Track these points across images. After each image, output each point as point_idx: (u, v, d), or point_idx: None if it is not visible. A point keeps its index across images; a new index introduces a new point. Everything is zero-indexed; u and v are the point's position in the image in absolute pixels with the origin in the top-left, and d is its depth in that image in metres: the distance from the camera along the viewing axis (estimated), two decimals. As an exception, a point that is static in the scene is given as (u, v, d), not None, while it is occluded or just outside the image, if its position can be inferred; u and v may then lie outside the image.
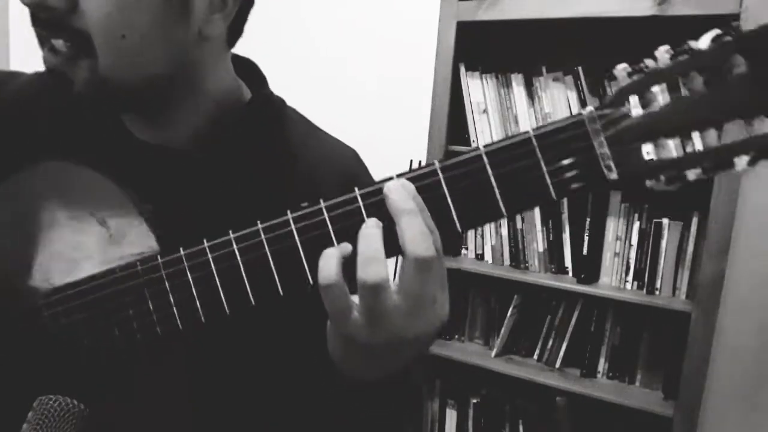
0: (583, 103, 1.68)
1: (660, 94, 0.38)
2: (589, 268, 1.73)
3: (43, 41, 0.51)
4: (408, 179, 0.41)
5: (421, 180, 0.42)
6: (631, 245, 1.69)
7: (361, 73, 2.14)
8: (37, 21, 0.50)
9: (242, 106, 0.62)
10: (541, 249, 1.80)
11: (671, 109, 0.38)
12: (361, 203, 0.42)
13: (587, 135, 0.39)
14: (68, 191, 0.53)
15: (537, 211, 1.80)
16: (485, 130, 1.80)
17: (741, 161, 0.38)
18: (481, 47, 1.79)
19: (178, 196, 0.54)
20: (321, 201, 0.43)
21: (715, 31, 0.37)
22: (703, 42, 0.38)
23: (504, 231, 1.85)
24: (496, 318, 1.90)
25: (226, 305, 0.46)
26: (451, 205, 0.41)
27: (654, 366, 1.70)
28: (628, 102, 0.39)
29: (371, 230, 0.40)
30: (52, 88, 0.53)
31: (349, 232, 0.42)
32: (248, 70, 0.65)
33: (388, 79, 2.09)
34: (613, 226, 1.72)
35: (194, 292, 0.46)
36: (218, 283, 0.45)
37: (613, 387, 1.71)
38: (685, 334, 1.51)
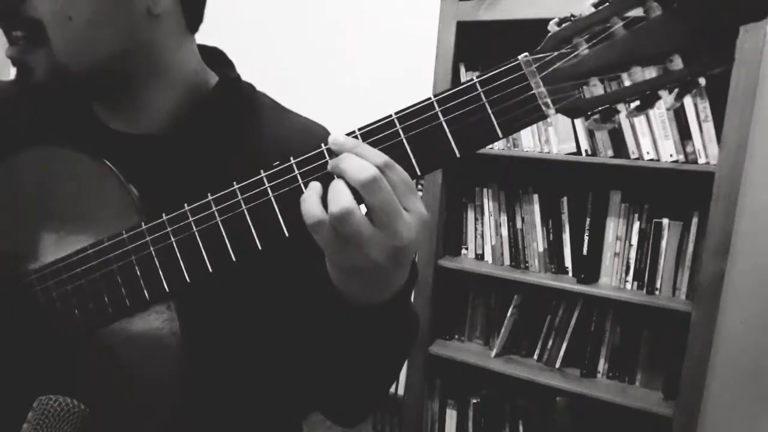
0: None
1: (585, 39, 0.43)
2: (589, 268, 1.73)
3: (5, 34, 0.54)
4: (368, 130, 0.46)
5: (381, 131, 0.45)
6: (631, 245, 1.69)
7: (362, 72, 2.14)
8: None
9: (210, 89, 0.63)
10: (541, 249, 1.80)
11: (597, 51, 0.43)
12: (328, 158, 0.46)
13: (524, 77, 0.44)
14: (52, 174, 0.55)
15: (537, 211, 1.80)
16: (485, 130, 1.80)
17: (668, 98, 0.43)
18: (481, 47, 1.79)
19: (152, 182, 0.55)
20: (291, 158, 0.47)
21: None
22: None
23: (504, 231, 1.85)
24: (496, 318, 1.90)
25: (208, 263, 0.48)
26: (409, 151, 0.45)
27: (654, 366, 1.70)
28: (560, 47, 0.44)
29: (330, 168, 0.44)
30: (17, 79, 0.55)
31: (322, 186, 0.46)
32: (215, 57, 0.67)
33: (388, 78, 2.09)
34: (613, 226, 1.72)
35: (178, 253, 0.49)
36: (200, 243, 0.48)
37: (613, 387, 1.71)
38: (685, 334, 1.51)
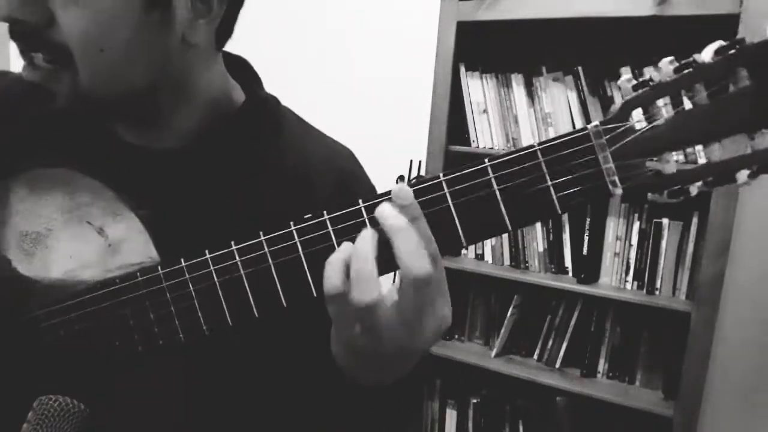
0: (583, 103, 1.67)
1: (664, 108, 0.38)
2: (589, 268, 1.73)
3: (24, 55, 0.50)
4: (415, 189, 0.41)
5: (426, 193, 0.41)
6: (631, 245, 1.69)
7: (361, 73, 2.14)
8: (15, 35, 0.49)
9: (236, 108, 0.61)
10: (541, 249, 1.80)
11: (675, 123, 0.38)
12: (365, 216, 0.42)
13: (593, 149, 0.39)
14: (63, 197, 0.52)
15: (537, 211, 1.79)
16: (485, 130, 1.80)
17: (742, 175, 0.38)
18: (481, 47, 1.79)
19: (173, 200, 0.53)
20: (324, 213, 0.43)
21: (719, 43, 0.37)
22: (707, 54, 0.37)
23: (504, 231, 1.85)
24: (496, 318, 1.90)
25: (228, 317, 0.45)
26: (456, 219, 0.41)
27: (654, 366, 1.70)
28: (632, 116, 0.39)
29: (365, 248, 0.39)
30: (33, 102, 0.52)
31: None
32: (241, 70, 0.64)
33: (389, 79, 2.08)
34: (613, 226, 1.72)
35: (196, 303, 0.46)
36: (221, 295, 0.45)
37: (613, 387, 1.71)
38: (685, 334, 1.51)
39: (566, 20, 1.58)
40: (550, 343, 1.80)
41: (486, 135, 1.80)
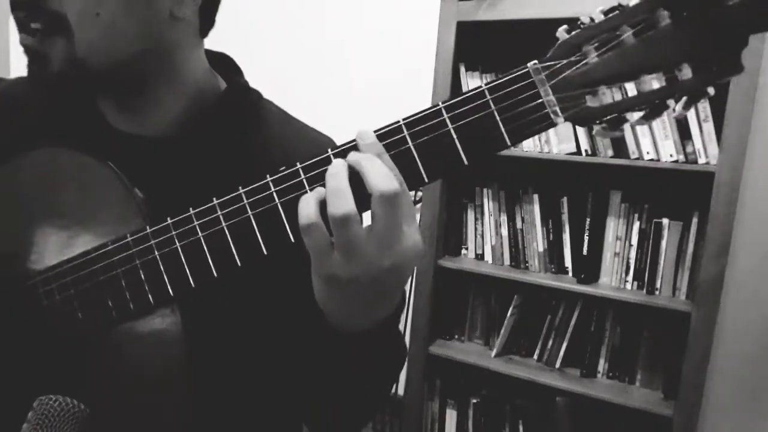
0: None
1: (595, 46, 0.43)
2: (589, 268, 1.73)
3: (22, 26, 0.53)
4: (376, 135, 0.45)
5: (388, 136, 0.45)
6: (631, 245, 1.69)
7: (362, 73, 2.14)
8: (16, 4, 0.53)
9: (218, 94, 0.63)
10: (541, 249, 1.80)
11: (606, 59, 0.43)
12: (333, 161, 0.45)
13: (533, 84, 0.44)
14: (57, 175, 0.55)
15: (537, 211, 1.80)
16: (485, 130, 1.80)
17: (675, 104, 0.42)
18: (481, 47, 1.79)
19: (158, 184, 0.55)
20: (297, 163, 0.46)
21: None
22: None
23: (504, 231, 1.85)
24: (496, 318, 1.90)
25: (213, 269, 0.48)
26: (416, 157, 0.45)
27: (654, 366, 1.70)
28: (569, 55, 0.44)
29: (336, 168, 0.43)
30: (29, 69, 0.55)
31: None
32: (223, 63, 0.67)
33: (389, 79, 2.09)
34: (613, 226, 1.72)
35: (183, 258, 0.48)
36: (205, 248, 0.48)
37: (613, 387, 1.71)
38: (685, 334, 1.52)
39: (566, 20, 1.57)
40: (550, 343, 1.80)
41: (486, 135, 1.80)
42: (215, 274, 0.48)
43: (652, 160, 1.57)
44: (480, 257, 1.90)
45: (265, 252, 0.47)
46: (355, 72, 2.15)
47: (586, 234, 1.74)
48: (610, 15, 0.42)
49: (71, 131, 0.59)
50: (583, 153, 1.67)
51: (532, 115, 0.44)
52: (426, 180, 0.45)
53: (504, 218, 1.85)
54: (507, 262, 1.86)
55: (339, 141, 0.68)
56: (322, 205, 0.43)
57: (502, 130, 0.44)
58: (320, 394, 0.58)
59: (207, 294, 0.50)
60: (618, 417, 1.70)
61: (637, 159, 1.59)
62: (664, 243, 1.64)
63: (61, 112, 0.61)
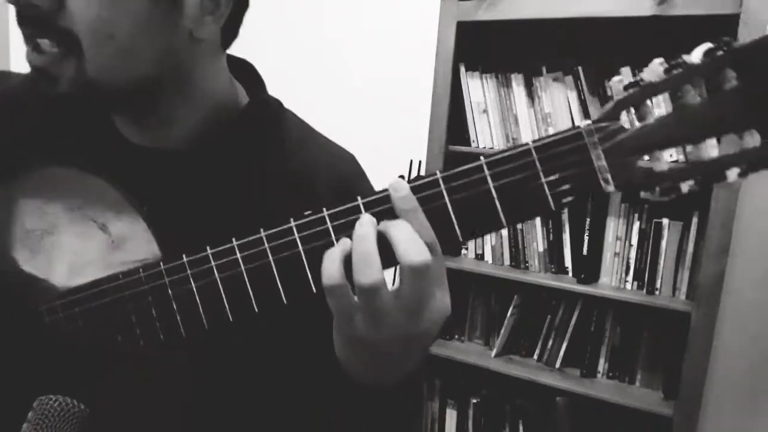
0: (583, 103, 1.68)
1: (654, 108, 0.39)
2: (589, 268, 1.73)
3: (29, 40, 0.51)
4: (412, 186, 0.42)
5: (423, 190, 0.42)
6: (631, 245, 1.69)
7: (361, 73, 2.14)
8: (23, 20, 0.50)
9: (238, 109, 0.61)
10: (541, 249, 1.80)
11: (665, 122, 0.39)
12: (363, 212, 0.42)
13: (585, 147, 0.40)
14: (67, 195, 0.52)
15: (537, 211, 1.80)
16: (485, 130, 1.80)
17: (732, 173, 0.39)
18: (481, 47, 1.79)
19: (173, 199, 0.53)
20: (324, 210, 0.43)
21: (707, 45, 0.38)
22: (696, 55, 0.38)
23: (504, 231, 1.85)
24: (496, 318, 1.90)
25: (229, 312, 0.46)
26: (452, 215, 0.42)
27: (654, 366, 1.70)
28: (624, 115, 0.40)
29: (365, 229, 0.40)
30: (37, 87, 0.52)
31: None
32: (245, 73, 0.64)
33: (389, 79, 2.08)
34: (613, 226, 1.72)
35: (198, 299, 0.46)
36: (222, 290, 0.46)
37: (613, 387, 1.71)
38: (685, 334, 1.51)
39: (566, 20, 1.58)
40: (550, 343, 1.80)
41: (486, 135, 1.80)
42: (230, 318, 0.46)
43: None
44: (480, 257, 1.90)
45: (285, 301, 0.44)
46: (354, 72, 2.15)
47: (586, 234, 1.74)
48: (673, 73, 0.38)
49: (83, 140, 0.58)
50: (583, 153, 1.67)
51: (580, 181, 0.40)
52: (460, 239, 0.42)
53: (504, 218, 1.85)
54: (507, 262, 1.86)
55: (339, 141, 0.69)
56: (347, 261, 0.40)
57: (547, 193, 0.40)
58: None
59: (221, 333, 0.48)
60: (618, 417, 1.70)
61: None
62: (664, 243, 1.64)
63: (73, 121, 0.59)
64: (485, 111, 1.80)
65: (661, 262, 1.64)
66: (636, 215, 1.68)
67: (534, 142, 0.41)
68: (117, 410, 0.50)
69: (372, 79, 2.12)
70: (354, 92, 2.15)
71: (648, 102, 0.39)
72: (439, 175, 0.42)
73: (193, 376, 0.50)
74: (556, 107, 1.72)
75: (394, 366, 0.46)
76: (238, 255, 0.45)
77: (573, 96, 1.69)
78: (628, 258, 1.69)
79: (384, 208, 0.42)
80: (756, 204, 1.64)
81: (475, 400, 1.92)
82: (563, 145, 0.40)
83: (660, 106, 0.39)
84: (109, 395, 0.50)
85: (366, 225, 0.40)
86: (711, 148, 0.39)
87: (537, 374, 1.75)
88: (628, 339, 1.73)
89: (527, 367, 1.80)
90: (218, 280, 0.45)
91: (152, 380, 0.51)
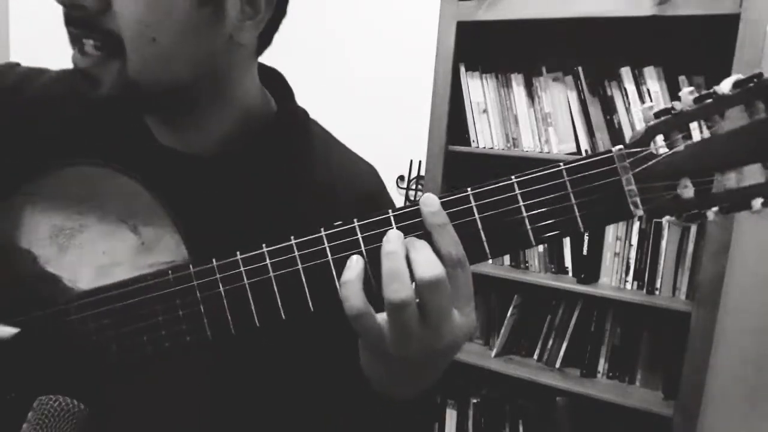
0: (583, 103, 1.68)
1: (684, 135, 0.41)
2: (589, 268, 1.73)
3: (75, 41, 0.51)
4: (443, 202, 0.43)
5: (454, 206, 0.43)
6: (631, 245, 1.69)
7: (361, 73, 2.14)
8: (70, 20, 0.50)
9: (268, 117, 0.62)
10: (541, 249, 1.80)
11: (694, 150, 0.40)
12: (394, 226, 0.43)
13: (616, 171, 0.41)
14: (99, 195, 0.53)
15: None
16: (485, 130, 1.81)
17: (756, 202, 0.40)
18: (481, 47, 1.79)
19: (202, 203, 0.54)
20: (355, 220, 0.44)
21: (738, 76, 0.39)
22: (726, 86, 0.39)
23: (504, 231, 1.85)
24: (496, 318, 1.90)
25: (256, 318, 0.46)
26: (481, 232, 0.42)
27: (654, 366, 1.70)
28: (654, 142, 0.41)
29: (392, 246, 0.41)
30: (78, 89, 0.53)
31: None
32: (275, 81, 0.65)
33: (389, 79, 2.09)
34: (613, 226, 1.72)
35: (225, 303, 0.46)
36: (250, 295, 0.46)
37: (613, 387, 1.71)
38: (685, 334, 1.51)
39: (566, 20, 1.58)
40: (550, 343, 1.80)
41: (486, 135, 1.81)
42: (257, 324, 0.46)
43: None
44: (480, 257, 1.90)
45: (312, 308, 0.45)
46: (354, 72, 2.15)
47: (586, 234, 1.74)
48: (705, 102, 0.40)
49: (116, 141, 0.58)
50: (583, 153, 1.67)
51: (610, 204, 0.41)
52: (489, 256, 0.43)
53: (504, 218, 1.85)
54: (507, 262, 1.86)
55: (361, 156, 0.69)
56: (366, 282, 0.41)
57: (577, 215, 0.41)
58: None
59: (246, 336, 0.48)
60: (618, 417, 1.70)
61: (637, 159, 1.59)
62: (664, 243, 1.64)
63: (106, 121, 0.59)
64: (485, 111, 1.80)
65: (661, 262, 1.64)
66: (636, 215, 1.68)
67: (566, 164, 0.42)
68: (117, 410, 0.50)
69: (372, 79, 2.12)
70: (354, 92, 2.15)
71: (678, 130, 0.41)
72: (470, 191, 0.43)
73: (210, 378, 0.50)
74: (556, 107, 1.72)
75: (418, 380, 0.47)
76: (268, 261, 0.45)
77: (573, 96, 1.69)
78: (628, 258, 1.69)
79: (414, 221, 0.43)
80: (756, 204, 1.64)
81: (475, 400, 1.91)
82: (594, 168, 0.41)
83: (689, 136, 0.41)
84: (109, 395, 0.50)
85: (394, 241, 0.41)
86: (736, 178, 0.40)
87: (537, 374, 1.75)
88: (628, 339, 1.73)
89: (527, 367, 1.80)
90: (247, 285, 0.46)
91: (168, 380, 0.50)
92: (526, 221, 0.42)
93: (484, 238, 0.43)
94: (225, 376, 0.52)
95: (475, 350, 1.90)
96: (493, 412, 1.90)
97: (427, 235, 0.42)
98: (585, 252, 1.74)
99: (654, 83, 1.60)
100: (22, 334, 0.51)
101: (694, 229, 1.60)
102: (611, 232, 1.72)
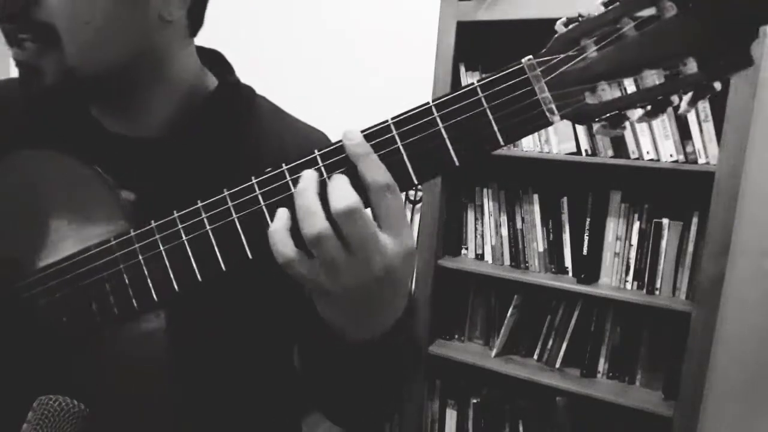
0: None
1: (594, 40, 0.41)
2: (589, 268, 1.73)
3: (12, 39, 0.53)
4: (364, 135, 0.44)
5: (376, 136, 0.44)
6: (631, 245, 1.69)
7: (361, 72, 2.14)
8: (2, 16, 0.53)
9: (209, 93, 0.63)
10: (541, 249, 1.80)
11: (606, 53, 0.40)
12: (321, 164, 0.44)
13: (528, 81, 0.42)
14: (43, 177, 0.55)
15: (537, 211, 1.80)
16: (485, 130, 1.80)
17: (681, 102, 0.40)
18: (481, 47, 1.79)
19: (150, 185, 0.54)
20: (283, 164, 0.45)
21: None
22: None
23: (504, 231, 1.85)
24: (496, 318, 1.90)
25: (198, 273, 0.47)
26: (405, 158, 0.43)
27: (654, 366, 1.70)
28: (567, 49, 0.42)
29: (303, 184, 0.42)
30: (23, 82, 0.55)
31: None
32: (214, 60, 0.67)
33: (388, 78, 2.08)
34: (613, 226, 1.72)
35: (167, 262, 0.47)
36: (189, 252, 0.47)
37: (613, 387, 1.71)
38: (685, 334, 1.52)
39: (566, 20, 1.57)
40: (550, 343, 1.80)
41: (486, 135, 1.80)
42: (199, 279, 0.47)
43: (652, 160, 1.58)
44: (480, 257, 1.90)
45: (250, 256, 0.45)
46: (354, 71, 2.15)
47: (586, 234, 1.74)
48: (611, 7, 0.40)
49: (61, 131, 0.59)
50: (583, 153, 1.67)
51: (526, 114, 0.42)
52: (415, 182, 0.44)
53: (504, 218, 1.85)
54: (507, 262, 1.86)
55: (311, 125, 0.69)
56: (294, 228, 0.42)
57: (495, 129, 0.42)
58: (327, 397, 0.58)
59: (194, 294, 0.49)
60: (618, 417, 1.70)
61: (637, 159, 1.59)
62: (664, 243, 1.64)
63: (52, 114, 0.61)
64: (485, 111, 1.80)
65: (661, 262, 1.64)
66: (636, 215, 1.69)
67: (479, 80, 0.43)
68: (111, 407, 0.50)
69: (371, 79, 2.12)
70: (354, 92, 2.15)
71: (589, 36, 0.41)
72: (390, 120, 0.44)
73: (172, 372, 0.50)
74: (556, 107, 1.72)
75: (373, 314, 0.47)
76: (203, 215, 0.46)
77: (573, 96, 1.69)
78: (628, 258, 1.69)
79: (340, 157, 0.44)
80: (756, 204, 1.64)
81: (475, 400, 1.92)
82: (507, 80, 0.42)
83: (600, 41, 0.41)
84: (109, 395, 0.50)
85: (305, 179, 0.42)
86: (653, 78, 0.40)
87: (537, 374, 1.75)
88: (628, 339, 1.73)
89: (527, 367, 1.80)
90: (185, 242, 0.47)
91: (135, 379, 0.50)
92: (447, 142, 0.43)
93: (408, 165, 0.43)
94: (186, 343, 0.51)
95: (475, 350, 1.90)
96: (493, 412, 1.90)
97: (354, 168, 0.43)
98: (585, 252, 1.74)
99: (656, 78, 1.60)
100: None
101: (694, 229, 1.61)
102: (611, 232, 1.72)
